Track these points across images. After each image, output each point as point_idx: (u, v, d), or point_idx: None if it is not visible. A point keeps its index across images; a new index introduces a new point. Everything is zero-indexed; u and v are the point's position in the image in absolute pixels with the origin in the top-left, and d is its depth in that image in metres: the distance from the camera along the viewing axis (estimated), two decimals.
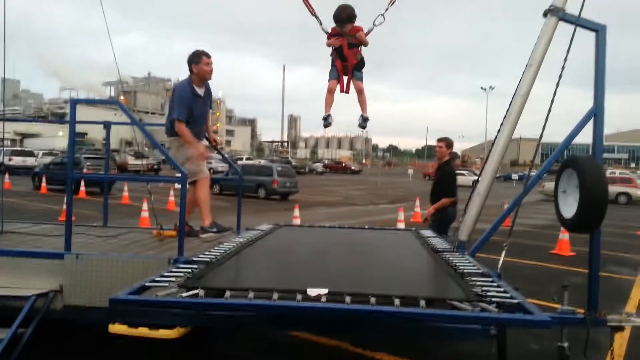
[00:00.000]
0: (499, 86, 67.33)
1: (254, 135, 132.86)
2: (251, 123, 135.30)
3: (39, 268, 3.51)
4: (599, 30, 3.76)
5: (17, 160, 32.48)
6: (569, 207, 3.75)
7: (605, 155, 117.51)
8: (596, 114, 3.77)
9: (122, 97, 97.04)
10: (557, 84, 3.49)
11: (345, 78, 4.27)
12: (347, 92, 4.30)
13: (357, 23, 4.14)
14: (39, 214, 13.49)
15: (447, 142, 6.59)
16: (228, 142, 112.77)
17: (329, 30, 4.18)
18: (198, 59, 4.72)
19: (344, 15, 4.03)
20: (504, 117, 3.99)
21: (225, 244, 4.06)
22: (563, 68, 3.50)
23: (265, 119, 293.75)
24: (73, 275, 3.47)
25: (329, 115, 4.35)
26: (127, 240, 4.66)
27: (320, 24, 4.19)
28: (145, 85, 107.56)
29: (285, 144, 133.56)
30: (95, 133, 66.20)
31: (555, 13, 3.71)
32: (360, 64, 4.26)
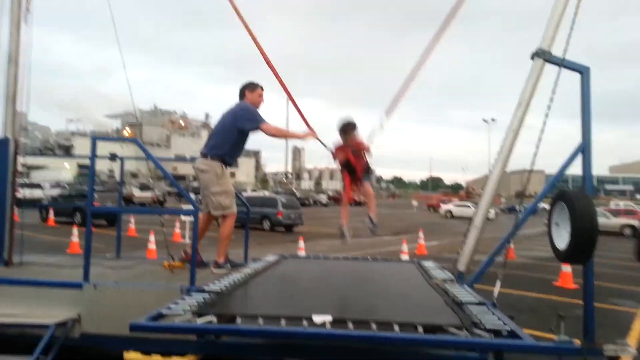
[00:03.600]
0: (500, 119, 67.94)
1: (258, 166, 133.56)
2: (255, 155, 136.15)
3: (58, 297, 3.70)
4: (583, 72, 4.02)
5: (25, 193, 32.78)
6: (562, 239, 3.92)
7: (610, 187, 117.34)
8: (584, 149, 3.99)
9: (128, 130, 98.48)
10: (544, 122, 3.73)
11: (352, 189, 4.84)
12: (352, 201, 4.95)
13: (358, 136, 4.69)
14: (48, 246, 13.68)
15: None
16: (232, 174, 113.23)
17: (334, 148, 4.72)
18: (254, 88, 4.93)
19: (347, 127, 4.60)
20: (498, 153, 4.21)
21: (233, 274, 4.24)
22: (549, 107, 3.75)
23: (270, 150, 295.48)
24: (91, 304, 3.66)
25: (344, 232, 4.78)
26: (140, 270, 4.85)
27: (326, 146, 4.76)
28: (152, 118, 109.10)
29: (290, 175, 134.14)
30: (99, 165, 66.74)
31: (542, 55, 3.98)
32: (367, 169, 4.72)
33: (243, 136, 4.81)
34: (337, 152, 4.68)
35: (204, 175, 4.72)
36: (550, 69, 4.00)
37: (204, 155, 4.77)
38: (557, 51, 3.98)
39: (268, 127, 4.65)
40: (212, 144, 4.76)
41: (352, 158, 4.57)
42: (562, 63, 3.87)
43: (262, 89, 4.97)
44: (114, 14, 5.90)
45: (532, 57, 4.03)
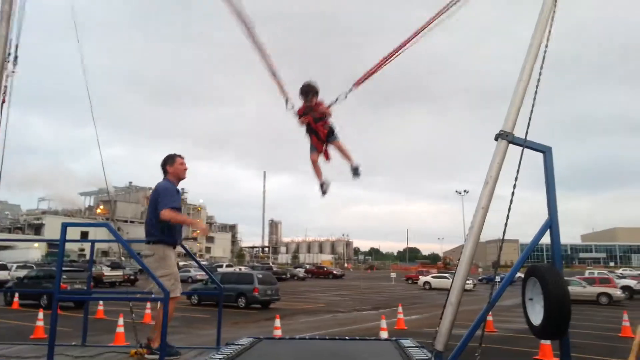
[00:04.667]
0: (472, 190, 69.55)
1: (234, 241, 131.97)
2: (232, 229, 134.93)
3: None
4: (545, 152, 4.21)
5: None
6: (537, 314, 3.93)
7: (583, 255, 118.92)
8: (551, 225, 4.10)
9: (101, 207, 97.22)
10: (511, 200, 3.85)
11: (322, 147, 4.71)
12: (328, 158, 4.73)
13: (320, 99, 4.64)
14: (10, 332, 13.00)
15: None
16: (208, 249, 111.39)
17: (297, 111, 4.66)
18: (172, 161, 4.98)
19: (308, 88, 4.57)
20: (469, 229, 4.29)
21: None
22: (514, 187, 3.89)
23: (247, 224, 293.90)
24: None
25: (323, 183, 4.70)
26: None
27: (287, 102, 4.64)
28: (126, 194, 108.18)
29: (266, 249, 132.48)
30: (71, 244, 65.11)
31: (505, 137, 4.17)
32: (331, 131, 4.68)
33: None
34: (299, 113, 4.63)
35: (147, 260, 4.73)
36: (516, 147, 4.18)
37: (147, 242, 4.81)
38: (521, 129, 4.19)
39: (163, 213, 4.60)
40: (148, 230, 4.81)
41: (313, 122, 4.55)
42: (524, 144, 4.06)
43: (180, 157, 5.04)
44: (90, 94, 6.04)
45: (496, 138, 4.22)
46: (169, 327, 4.35)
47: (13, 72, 4.86)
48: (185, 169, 5.05)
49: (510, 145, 4.19)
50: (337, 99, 4.61)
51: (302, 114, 4.66)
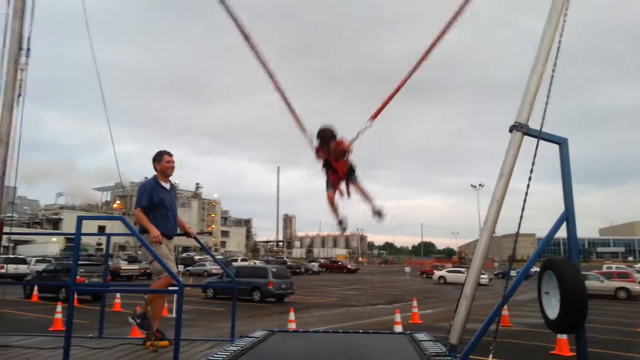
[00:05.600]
0: (488, 184, 68.96)
1: (249, 235, 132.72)
2: (246, 223, 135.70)
3: None
4: (561, 143, 4.14)
5: (10, 268, 32.08)
6: (553, 308, 3.88)
7: (601, 249, 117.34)
8: (568, 218, 4.04)
9: (117, 202, 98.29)
10: (527, 193, 3.79)
11: (341, 185, 4.52)
12: (349, 195, 4.52)
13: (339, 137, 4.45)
14: (30, 325, 13.23)
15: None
16: (223, 243, 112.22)
17: (315, 148, 4.48)
18: (160, 158, 5.19)
19: (324, 134, 4.37)
20: (484, 222, 4.24)
21: (219, 353, 4.10)
22: (530, 179, 3.83)
23: (261, 219, 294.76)
24: None
25: (342, 219, 4.54)
26: (122, 351, 4.67)
27: (311, 143, 4.50)
28: None
29: (281, 243, 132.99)
30: (88, 238, 66.05)
31: (520, 129, 4.11)
32: (352, 170, 4.51)
33: (152, 209, 5.03)
34: (317, 151, 4.45)
35: (142, 250, 5.11)
36: (531, 138, 4.12)
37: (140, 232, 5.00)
38: (535, 121, 4.12)
39: (137, 212, 5.00)
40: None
41: (334, 161, 4.38)
42: (540, 136, 4.00)
43: (168, 154, 5.22)
44: (104, 92, 6.13)
45: (511, 130, 4.16)
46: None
47: (26, 64, 4.92)
48: (171, 167, 5.24)
49: (525, 138, 4.13)
50: (357, 135, 4.42)
51: (321, 150, 4.46)
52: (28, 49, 4.99)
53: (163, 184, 5.22)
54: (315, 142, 4.48)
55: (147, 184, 5.18)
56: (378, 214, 4.57)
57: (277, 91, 4.46)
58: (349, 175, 4.52)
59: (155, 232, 4.88)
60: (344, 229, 4.64)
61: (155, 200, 5.02)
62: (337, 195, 4.54)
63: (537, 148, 3.97)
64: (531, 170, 3.79)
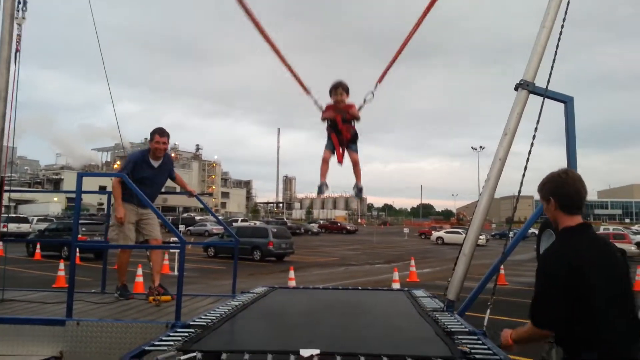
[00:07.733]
0: (489, 146, 68.84)
1: (249, 196, 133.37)
2: (246, 185, 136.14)
3: (40, 335, 3.61)
4: (567, 102, 4.08)
5: (12, 227, 32.36)
6: None
7: (599, 211, 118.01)
8: None
9: (118, 162, 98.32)
10: (530, 152, 3.75)
11: (340, 150, 4.55)
12: (341, 163, 4.58)
13: (349, 100, 4.48)
14: (33, 281, 13.43)
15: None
16: (223, 204, 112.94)
17: (323, 106, 4.49)
18: (152, 137, 5.31)
19: (338, 84, 4.42)
20: (485, 181, 4.23)
21: (221, 307, 4.16)
22: (534, 137, 3.78)
23: (261, 180, 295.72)
24: (74, 342, 3.56)
25: (323, 184, 4.59)
26: (124, 306, 4.75)
27: (315, 102, 4.50)
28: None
29: (281, 205, 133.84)
30: (89, 198, 66.40)
31: (525, 86, 4.04)
32: (354, 137, 4.55)
33: (134, 181, 5.00)
34: (326, 110, 4.51)
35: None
36: (535, 98, 4.06)
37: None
38: (540, 82, 4.04)
39: (114, 182, 5.17)
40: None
41: (341, 122, 4.44)
42: (545, 94, 3.93)
43: (160, 135, 5.29)
44: (103, 51, 6.01)
45: (516, 88, 4.09)
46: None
47: (24, 18, 4.79)
48: (160, 148, 5.33)
49: (530, 99, 4.06)
50: (365, 101, 4.48)
51: (330, 109, 4.49)
52: (25, 2, 4.84)
53: (152, 161, 5.30)
54: (328, 96, 4.51)
55: (134, 157, 5.34)
56: (359, 190, 4.72)
57: (274, 52, 4.39)
58: (351, 142, 4.56)
59: (119, 212, 5.06)
60: (321, 193, 4.70)
61: (136, 177, 5.06)
62: (332, 159, 4.60)
63: (542, 106, 3.91)
64: (535, 129, 3.74)
